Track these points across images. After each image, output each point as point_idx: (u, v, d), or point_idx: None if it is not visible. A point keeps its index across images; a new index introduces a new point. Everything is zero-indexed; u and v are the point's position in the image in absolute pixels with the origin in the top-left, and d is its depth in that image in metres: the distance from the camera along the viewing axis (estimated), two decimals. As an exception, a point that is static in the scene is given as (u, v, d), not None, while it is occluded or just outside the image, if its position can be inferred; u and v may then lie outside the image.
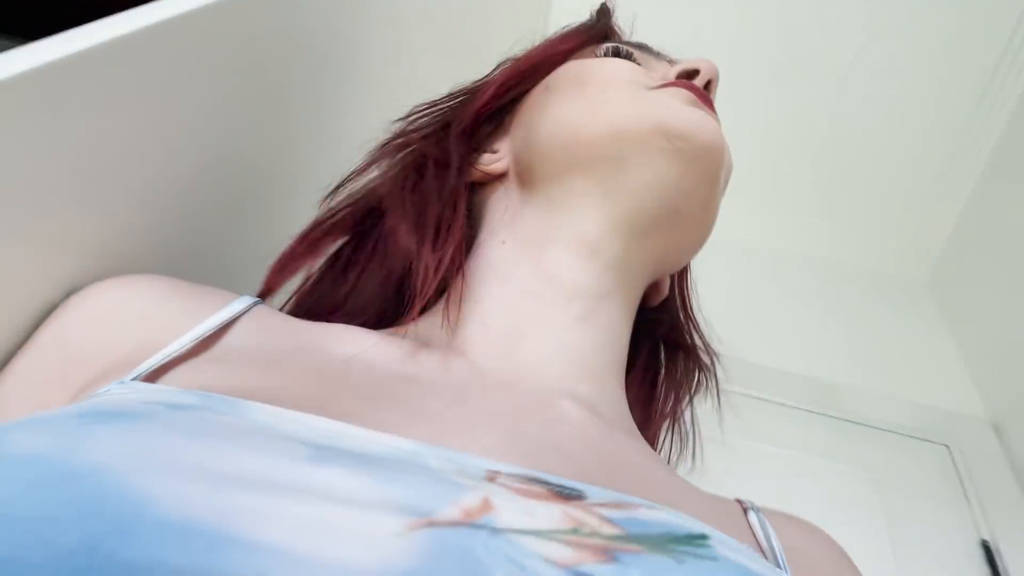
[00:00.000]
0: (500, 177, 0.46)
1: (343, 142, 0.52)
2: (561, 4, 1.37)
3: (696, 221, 0.42)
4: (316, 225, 0.45)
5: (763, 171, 1.45)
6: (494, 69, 0.51)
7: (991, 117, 1.31)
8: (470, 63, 0.54)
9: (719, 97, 0.46)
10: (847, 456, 1.03)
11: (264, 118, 0.50)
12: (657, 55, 0.49)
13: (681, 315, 0.54)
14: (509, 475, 0.26)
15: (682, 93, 0.41)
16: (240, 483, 0.21)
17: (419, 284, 0.39)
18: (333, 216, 0.46)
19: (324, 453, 0.24)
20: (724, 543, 0.26)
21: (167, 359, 0.33)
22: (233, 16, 0.42)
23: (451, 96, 0.50)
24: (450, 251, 0.40)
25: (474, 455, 0.27)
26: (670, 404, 0.51)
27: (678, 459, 0.52)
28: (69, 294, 0.37)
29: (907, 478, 1.01)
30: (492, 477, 0.26)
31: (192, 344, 0.34)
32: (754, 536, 0.36)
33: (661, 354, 0.52)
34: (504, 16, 1.11)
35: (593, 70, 0.44)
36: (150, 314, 0.35)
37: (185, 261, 0.46)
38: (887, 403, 1.12)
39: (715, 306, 0.58)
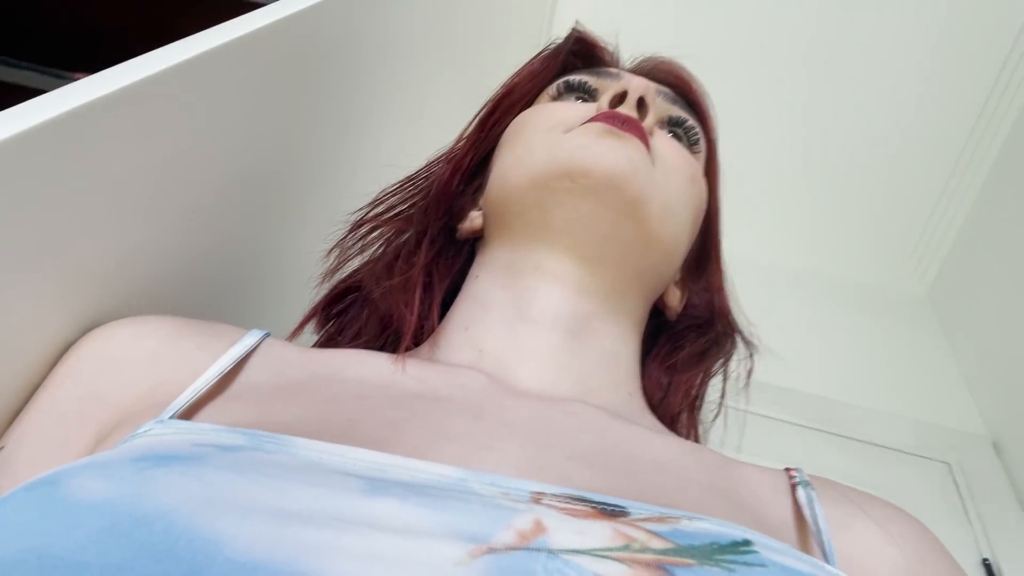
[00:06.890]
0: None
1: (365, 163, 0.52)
2: (565, 7, 1.38)
3: (642, 241, 0.42)
4: (316, 309, 0.49)
5: (761, 185, 1.45)
6: (465, 129, 0.52)
7: (991, 131, 1.32)
8: (476, 73, 0.55)
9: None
10: (849, 473, 1.03)
11: (285, 145, 0.51)
12: (615, 75, 0.50)
13: (715, 318, 0.52)
14: (553, 495, 0.27)
15: (595, 128, 0.41)
16: (303, 520, 0.22)
17: (405, 335, 0.43)
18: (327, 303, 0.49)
19: (377, 485, 0.25)
20: (767, 546, 0.26)
21: (196, 396, 0.33)
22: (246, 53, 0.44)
23: (428, 167, 0.52)
24: (433, 309, 0.46)
25: (516, 478, 0.28)
26: (696, 382, 0.51)
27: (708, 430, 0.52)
28: (86, 331, 0.38)
29: (908, 495, 1.01)
30: (538, 498, 0.26)
31: (216, 380, 0.35)
32: (801, 515, 0.35)
33: (682, 343, 0.51)
34: (509, 21, 1.12)
35: (527, 120, 0.46)
36: (162, 352, 0.36)
37: (203, 295, 0.47)
38: (888, 420, 1.12)
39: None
